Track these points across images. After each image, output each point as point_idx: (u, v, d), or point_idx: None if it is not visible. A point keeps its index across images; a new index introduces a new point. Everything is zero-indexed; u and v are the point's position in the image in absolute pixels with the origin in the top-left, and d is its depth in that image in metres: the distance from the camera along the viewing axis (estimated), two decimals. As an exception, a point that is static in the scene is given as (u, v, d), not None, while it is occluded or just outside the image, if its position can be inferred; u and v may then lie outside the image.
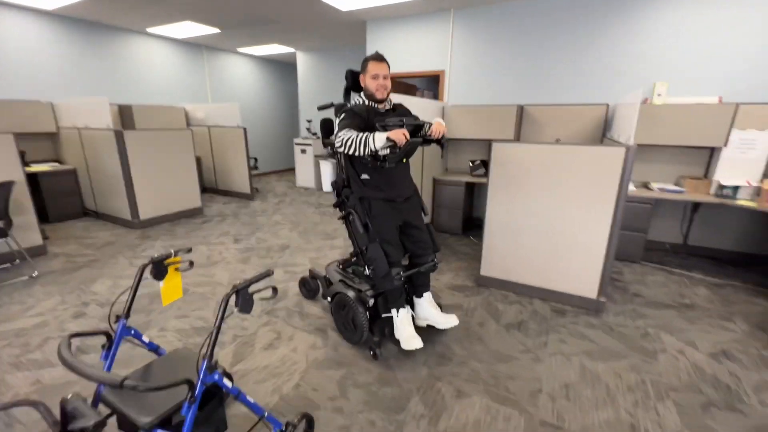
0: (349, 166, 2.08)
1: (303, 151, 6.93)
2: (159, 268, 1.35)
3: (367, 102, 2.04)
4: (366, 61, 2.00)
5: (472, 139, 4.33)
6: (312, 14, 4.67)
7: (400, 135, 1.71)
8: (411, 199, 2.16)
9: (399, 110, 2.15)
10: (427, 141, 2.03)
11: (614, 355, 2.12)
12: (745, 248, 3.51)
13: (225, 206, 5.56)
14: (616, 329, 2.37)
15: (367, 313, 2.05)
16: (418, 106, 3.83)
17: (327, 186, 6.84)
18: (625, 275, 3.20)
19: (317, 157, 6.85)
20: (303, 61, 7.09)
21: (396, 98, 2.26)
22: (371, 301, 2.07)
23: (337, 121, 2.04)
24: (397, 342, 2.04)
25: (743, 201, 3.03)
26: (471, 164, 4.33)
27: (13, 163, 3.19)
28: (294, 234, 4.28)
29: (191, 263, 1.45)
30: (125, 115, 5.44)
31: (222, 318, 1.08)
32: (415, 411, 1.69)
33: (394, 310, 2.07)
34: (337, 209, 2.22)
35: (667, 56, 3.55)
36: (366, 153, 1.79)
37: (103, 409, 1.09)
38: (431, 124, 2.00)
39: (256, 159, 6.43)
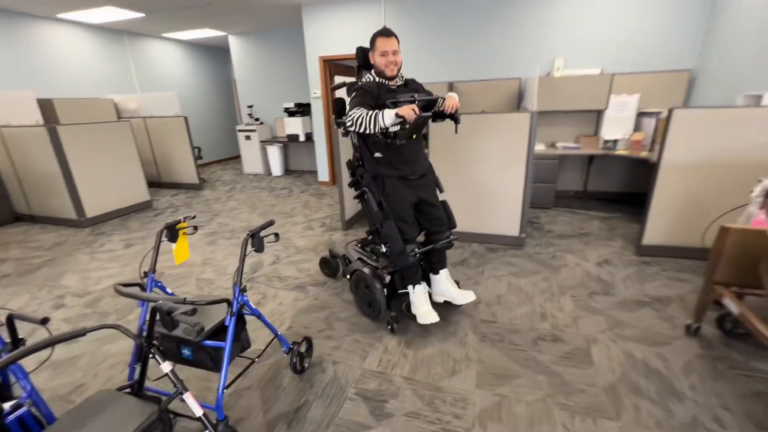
0: (363, 144, 2.08)
1: (248, 138, 6.92)
2: (172, 232, 1.62)
3: (377, 79, 2.00)
4: (374, 37, 1.95)
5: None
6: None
7: (409, 111, 1.70)
8: (426, 176, 2.13)
9: (411, 86, 2.11)
10: (441, 116, 1.99)
11: (532, 272, 2.78)
12: (626, 188, 4.49)
13: (174, 198, 5.50)
14: (534, 256, 3.06)
15: (385, 289, 2.09)
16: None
17: (276, 170, 6.96)
18: (540, 218, 3.97)
19: (263, 143, 6.90)
20: (236, 46, 6.96)
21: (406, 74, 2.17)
22: (388, 278, 2.10)
23: (349, 100, 2.01)
24: (413, 317, 2.07)
25: (621, 151, 3.90)
26: (382, 126, 4.82)
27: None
28: (254, 216, 4.48)
29: (195, 228, 1.74)
30: (46, 110, 5.05)
31: (245, 254, 1.42)
32: (386, 330, 2.17)
33: (410, 286, 2.10)
34: (353, 189, 2.26)
35: (563, 35, 4.28)
36: (376, 130, 1.79)
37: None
38: (444, 99, 1.97)
39: (199, 149, 6.33)
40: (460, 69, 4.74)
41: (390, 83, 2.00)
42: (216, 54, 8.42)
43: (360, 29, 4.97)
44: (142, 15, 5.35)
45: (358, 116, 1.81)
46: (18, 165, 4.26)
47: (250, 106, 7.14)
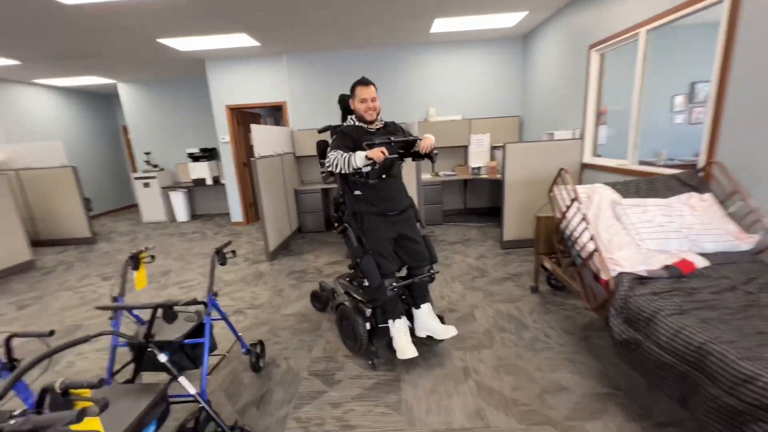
0: (344, 183, 2.19)
1: (146, 185, 6.63)
2: (135, 261, 1.87)
3: (357, 123, 2.15)
4: (354, 85, 2.10)
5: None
6: (145, 52, 4.87)
7: (378, 153, 1.83)
8: (405, 212, 2.20)
9: (389, 128, 2.24)
10: (419, 155, 2.11)
11: (431, 271, 3.56)
12: (493, 203, 5.82)
13: (62, 255, 4.98)
14: (432, 259, 3.88)
15: (367, 323, 2.12)
16: (271, 132, 4.71)
17: (182, 216, 6.77)
18: (435, 232, 4.91)
19: (165, 189, 6.69)
20: (128, 93, 6.77)
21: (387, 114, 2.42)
22: (368, 312, 2.14)
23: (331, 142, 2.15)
24: (395, 352, 2.05)
25: (484, 175, 5.16)
26: (322, 173, 5.44)
27: None
28: (169, 261, 4.44)
29: (153, 257, 2.00)
30: None
31: (214, 266, 1.78)
32: (325, 326, 2.63)
33: (390, 321, 2.11)
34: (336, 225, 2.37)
35: (433, 90, 5.52)
36: (350, 170, 1.94)
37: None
38: (420, 140, 2.08)
39: (89, 200, 5.84)
40: (357, 116, 5.61)
41: (369, 126, 2.14)
42: (100, 101, 7.92)
43: (265, 81, 5.53)
44: (18, 62, 4.99)
45: (335, 158, 1.97)
46: None
47: (148, 153, 6.90)
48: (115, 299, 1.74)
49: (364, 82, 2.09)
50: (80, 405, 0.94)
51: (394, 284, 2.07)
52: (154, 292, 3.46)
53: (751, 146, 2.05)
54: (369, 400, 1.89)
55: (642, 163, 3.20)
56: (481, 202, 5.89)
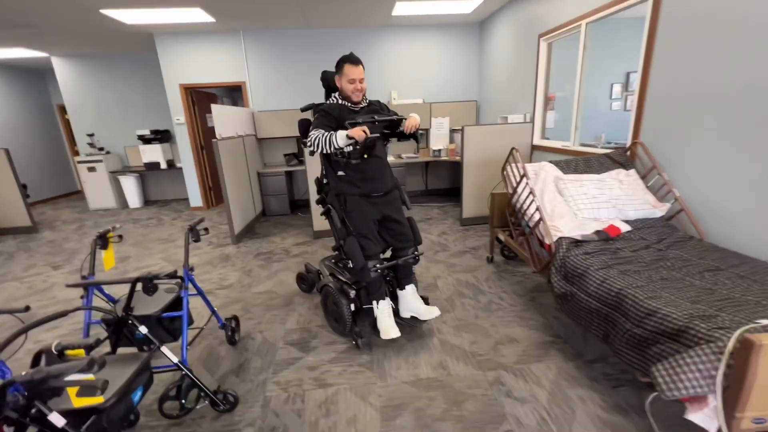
0: (327, 163, 2.16)
1: (92, 169, 6.19)
2: (104, 240, 1.85)
3: (340, 101, 2.09)
4: (342, 62, 2.00)
5: (283, 137, 5.41)
6: (86, 24, 4.48)
7: (359, 132, 1.81)
8: (390, 193, 2.18)
9: (373, 107, 2.17)
10: (402, 135, 2.07)
11: (397, 248, 3.76)
12: (453, 184, 6.11)
13: (8, 242, 4.59)
14: (397, 237, 4.07)
15: (352, 305, 2.12)
16: (232, 113, 4.61)
17: (134, 202, 6.42)
18: (399, 212, 5.11)
19: (114, 173, 6.29)
20: (65, 69, 6.18)
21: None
22: (352, 293, 2.13)
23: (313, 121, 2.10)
24: (378, 333, 2.09)
25: (444, 157, 5.39)
26: (285, 156, 5.41)
27: None
28: (126, 247, 4.26)
29: (120, 237, 1.98)
30: None
31: (188, 242, 1.82)
32: (297, 301, 2.74)
33: (374, 302, 2.13)
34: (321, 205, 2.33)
35: (395, 74, 5.61)
36: (332, 150, 1.91)
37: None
38: (405, 119, 2.04)
39: (25, 186, 5.36)
40: (314, 97, 5.59)
41: (352, 105, 2.09)
42: (30, 76, 7.15)
43: (221, 59, 5.32)
44: (-73, 30, 4.39)
45: (316, 137, 1.93)
46: None
47: (91, 135, 6.40)
48: (84, 278, 1.73)
49: (353, 60, 1.99)
50: (74, 354, 1.00)
51: (378, 266, 2.06)
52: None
53: (667, 129, 2.40)
54: (343, 361, 2.05)
55: (583, 145, 3.56)
56: (442, 183, 6.16)
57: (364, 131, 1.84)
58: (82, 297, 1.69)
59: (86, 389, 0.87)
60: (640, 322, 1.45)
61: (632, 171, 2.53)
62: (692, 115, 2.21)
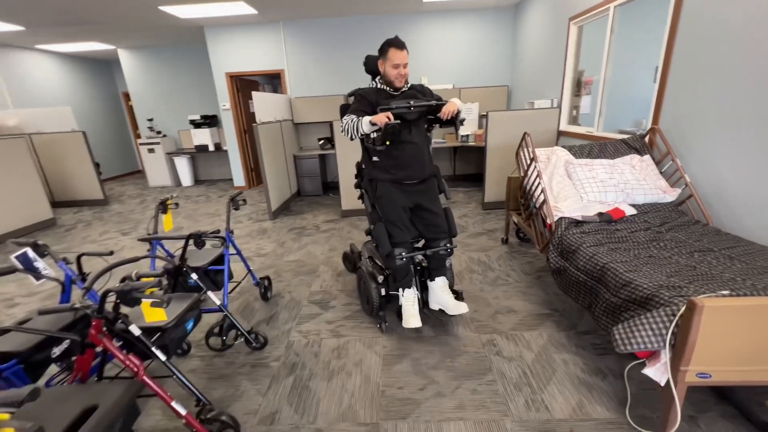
0: (364, 148, 2.14)
1: (151, 151, 6.93)
2: (164, 206, 2.26)
3: (379, 85, 2.04)
4: (386, 46, 1.93)
5: (317, 122, 5.74)
6: (146, 19, 5.02)
7: (382, 118, 1.79)
8: (426, 181, 2.12)
9: (413, 90, 2.08)
10: (444, 121, 2.01)
11: (417, 227, 3.99)
12: (479, 170, 6.16)
13: (78, 215, 5.38)
14: (419, 218, 4.30)
15: (382, 289, 2.14)
16: (271, 99, 4.97)
17: (186, 181, 7.12)
18: (424, 195, 5.31)
19: (170, 155, 7.00)
20: (129, 60, 6.91)
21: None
22: (380, 278, 2.14)
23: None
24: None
25: (472, 143, 5.47)
26: (319, 141, 5.75)
27: None
28: (180, 219, 4.84)
29: (177, 204, 2.39)
30: None
31: (229, 209, 2.19)
32: (322, 270, 3.08)
33: (400, 290, 2.12)
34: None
35: (426, 60, 5.72)
36: (359, 136, 1.91)
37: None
38: (443, 104, 1.95)
39: (98, 164, 6.16)
40: (354, 83, 5.85)
41: (391, 89, 2.03)
42: (100, 67, 8.03)
43: (263, 48, 5.71)
44: (22, 28, 5.14)
45: (346, 122, 1.94)
46: None
47: (151, 120, 7.14)
48: (150, 235, 2.15)
49: (398, 44, 1.90)
50: (149, 291, 1.35)
51: (404, 254, 2.04)
52: (170, 245, 3.89)
53: (685, 115, 2.40)
54: (356, 319, 2.35)
55: (622, 132, 3.51)
56: (469, 168, 6.24)
57: (387, 117, 1.80)
58: (148, 250, 2.11)
59: (156, 302, 1.22)
60: (617, 292, 1.60)
61: (647, 156, 2.56)
62: (711, 102, 2.20)
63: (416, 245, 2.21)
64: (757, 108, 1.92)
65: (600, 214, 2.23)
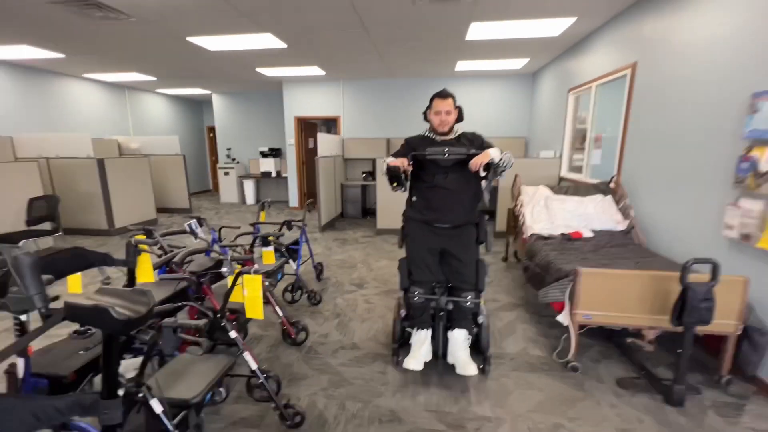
0: (410, 187, 2.17)
1: (226, 174, 8.52)
2: (262, 205, 3.42)
3: (427, 133, 2.16)
4: (433, 97, 2.06)
5: (362, 158, 7.01)
6: (243, 75, 6.66)
7: (398, 162, 1.93)
8: (461, 228, 2.10)
9: (461, 139, 2.11)
10: (488, 171, 1.97)
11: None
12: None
13: (171, 218, 6.84)
14: (439, 239, 5.24)
15: (405, 323, 2.22)
16: (328, 140, 6.27)
17: (250, 200, 8.57)
18: (446, 224, 6.27)
19: (240, 178, 8.54)
20: (219, 101, 8.73)
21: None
22: (402, 312, 2.22)
23: None
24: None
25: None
26: (363, 174, 6.97)
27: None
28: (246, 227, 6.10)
29: (270, 204, 3.56)
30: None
31: (306, 211, 3.31)
32: (359, 267, 4.08)
33: (415, 328, 2.17)
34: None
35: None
36: (385, 177, 2.01)
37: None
38: (476, 155, 1.91)
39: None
40: (395, 128, 7.11)
41: (437, 137, 2.09)
42: (193, 105, 10.03)
43: (325, 99, 7.20)
44: (154, 78, 6.98)
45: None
46: (61, 189, 5.46)
47: (229, 149, 8.81)
48: (253, 225, 3.29)
49: (441, 94, 2.04)
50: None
51: (421, 293, 2.07)
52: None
53: (636, 167, 3.27)
54: (383, 296, 3.30)
55: (601, 182, 4.35)
56: (492, 206, 7.13)
57: (402, 163, 1.93)
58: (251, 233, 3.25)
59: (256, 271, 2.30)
60: (550, 273, 2.46)
61: (609, 197, 3.41)
62: (650, 161, 3.07)
63: (440, 290, 2.16)
64: (675, 168, 2.78)
65: (563, 234, 3.09)
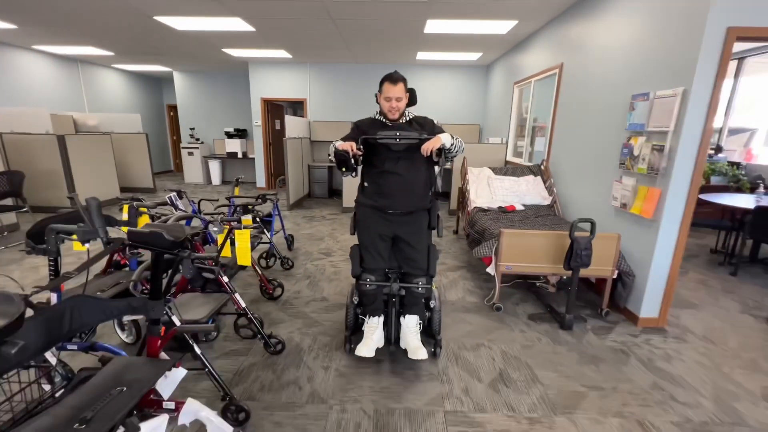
0: (361, 173, 2.11)
1: (190, 153, 8.47)
2: (237, 182, 3.72)
3: (377, 116, 2.08)
4: (382, 80, 1.96)
5: (329, 140, 7.31)
6: (209, 55, 6.67)
7: (346, 146, 1.84)
8: (413, 214, 2.07)
9: (412, 123, 2.05)
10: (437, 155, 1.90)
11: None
12: (447, 188, 7.69)
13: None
14: (399, 216, 5.78)
15: (357, 309, 2.23)
16: (295, 121, 6.53)
17: (216, 180, 8.62)
18: (407, 203, 6.82)
19: (205, 158, 8.54)
20: (181, 80, 8.57)
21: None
22: (355, 299, 2.22)
23: None
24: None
25: (447, 166, 7.02)
26: (328, 156, 7.29)
27: (4, 159, 4.30)
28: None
29: (242, 181, 3.87)
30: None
31: (278, 188, 3.64)
32: (327, 239, 4.50)
33: (368, 315, 2.15)
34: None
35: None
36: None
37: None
38: (427, 140, 1.88)
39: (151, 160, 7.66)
40: (362, 111, 7.44)
41: (388, 121, 2.03)
42: (152, 82, 9.71)
43: (292, 82, 7.37)
44: (111, 53, 6.79)
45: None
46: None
47: (192, 128, 8.73)
48: (229, 198, 3.60)
49: (391, 79, 1.94)
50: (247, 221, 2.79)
51: (371, 280, 2.05)
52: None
53: (559, 154, 3.92)
54: (348, 262, 3.76)
55: (533, 165, 5.04)
56: (446, 187, 7.76)
57: (351, 147, 1.86)
58: (225, 206, 3.56)
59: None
60: (487, 238, 3.05)
61: (538, 178, 4.07)
62: (570, 148, 3.73)
63: (393, 276, 2.15)
64: (584, 154, 3.43)
65: (500, 207, 3.70)
